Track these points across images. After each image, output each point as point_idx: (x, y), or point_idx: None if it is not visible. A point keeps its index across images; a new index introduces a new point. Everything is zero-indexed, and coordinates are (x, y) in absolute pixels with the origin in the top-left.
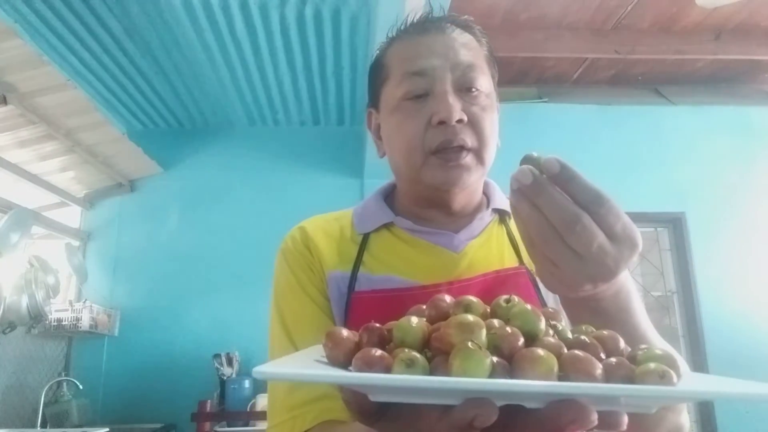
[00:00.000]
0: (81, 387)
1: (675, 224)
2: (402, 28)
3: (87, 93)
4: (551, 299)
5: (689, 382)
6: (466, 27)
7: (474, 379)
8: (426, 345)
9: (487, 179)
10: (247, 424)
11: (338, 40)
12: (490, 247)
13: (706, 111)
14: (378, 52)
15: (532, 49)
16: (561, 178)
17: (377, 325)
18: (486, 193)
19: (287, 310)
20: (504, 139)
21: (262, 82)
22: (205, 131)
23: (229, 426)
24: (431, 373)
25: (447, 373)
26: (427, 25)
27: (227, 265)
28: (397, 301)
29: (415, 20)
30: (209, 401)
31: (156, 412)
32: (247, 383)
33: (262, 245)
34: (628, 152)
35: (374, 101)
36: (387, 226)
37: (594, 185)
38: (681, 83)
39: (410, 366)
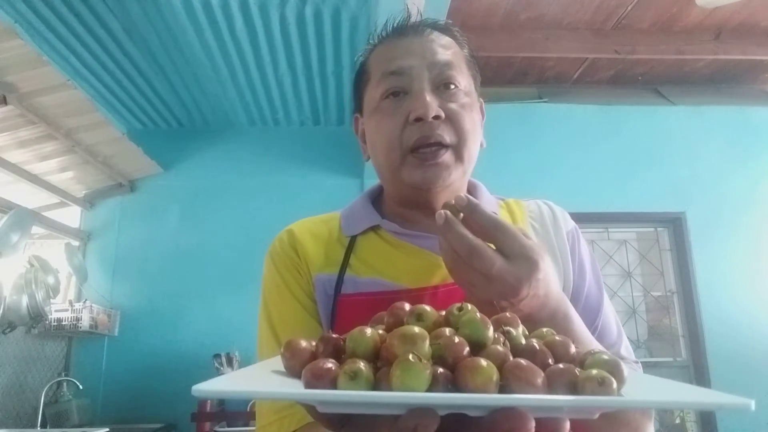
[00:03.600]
0: (81, 387)
1: (675, 224)
2: (383, 33)
3: (87, 93)
4: None
5: (633, 387)
6: (445, 30)
7: (397, 392)
8: (377, 355)
9: (475, 181)
10: (247, 424)
11: (338, 40)
12: None
13: (706, 111)
14: (361, 58)
15: (532, 49)
16: (467, 210)
17: (334, 335)
18: (473, 195)
19: (275, 311)
20: (504, 139)
21: (262, 82)
22: (205, 131)
23: (229, 426)
24: (376, 383)
25: (389, 385)
26: (405, 29)
27: (227, 265)
28: (382, 304)
29: (395, 24)
30: (209, 401)
31: (156, 412)
32: None
33: (262, 245)
34: (628, 152)
35: (359, 106)
36: (374, 228)
37: (492, 215)
38: (681, 83)
39: (353, 379)
